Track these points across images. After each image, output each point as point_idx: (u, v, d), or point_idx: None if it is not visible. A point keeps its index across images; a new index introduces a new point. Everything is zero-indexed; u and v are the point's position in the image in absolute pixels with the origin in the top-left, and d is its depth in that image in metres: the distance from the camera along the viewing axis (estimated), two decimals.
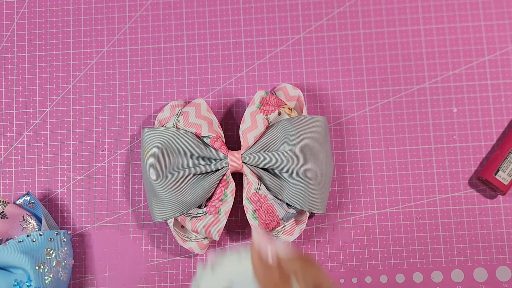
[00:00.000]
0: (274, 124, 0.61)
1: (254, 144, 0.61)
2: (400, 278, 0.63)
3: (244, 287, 0.40)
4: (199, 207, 0.61)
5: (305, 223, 0.61)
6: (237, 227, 0.64)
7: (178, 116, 0.61)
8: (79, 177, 0.66)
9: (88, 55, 0.68)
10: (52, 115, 0.67)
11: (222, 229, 0.60)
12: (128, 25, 0.69)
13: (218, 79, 0.67)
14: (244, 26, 0.68)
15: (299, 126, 0.60)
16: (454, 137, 0.65)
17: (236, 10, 0.68)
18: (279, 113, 0.61)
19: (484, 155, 0.65)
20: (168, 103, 0.65)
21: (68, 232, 0.62)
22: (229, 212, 0.60)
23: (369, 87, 0.67)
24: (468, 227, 0.64)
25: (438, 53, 0.67)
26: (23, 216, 0.62)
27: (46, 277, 0.59)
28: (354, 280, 0.63)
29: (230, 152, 0.61)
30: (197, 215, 0.60)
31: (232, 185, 0.60)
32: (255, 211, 0.60)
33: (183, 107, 0.62)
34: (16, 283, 0.59)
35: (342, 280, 0.63)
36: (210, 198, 0.61)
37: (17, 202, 0.63)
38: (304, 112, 0.62)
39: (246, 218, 0.62)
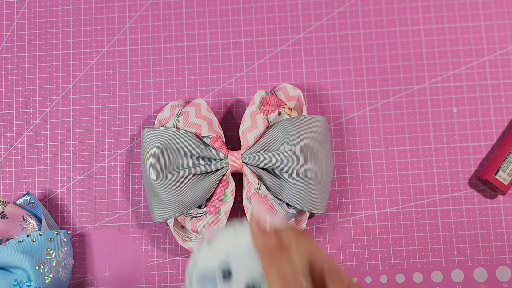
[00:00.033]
0: (274, 124, 0.61)
1: (254, 144, 0.61)
2: (400, 278, 0.63)
3: (240, 259, 0.41)
4: (199, 207, 0.61)
5: (305, 223, 0.61)
6: None
7: (178, 116, 0.61)
8: (79, 177, 0.66)
9: (88, 55, 0.68)
10: (52, 115, 0.67)
11: None
12: (128, 25, 0.69)
13: (218, 79, 0.67)
14: (244, 26, 0.68)
15: (299, 126, 0.60)
16: (454, 137, 0.65)
17: (236, 10, 0.69)
18: (279, 113, 0.61)
19: (484, 155, 0.65)
20: (168, 103, 0.65)
21: (68, 232, 0.62)
22: (229, 212, 0.60)
23: (369, 87, 0.67)
24: (468, 227, 0.64)
25: (438, 53, 0.67)
26: (23, 216, 0.62)
27: (46, 277, 0.59)
28: (354, 280, 0.63)
29: (230, 152, 0.61)
30: (197, 215, 0.60)
31: (232, 185, 0.60)
32: None
33: (183, 107, 0.62)
34: (16, 283, 0.59)
35: None
36: (210, 198, 0.61)
37: (17, 202, 0.63)
38: (304, 112, 0.62)
39: (246, 218, 0.62)
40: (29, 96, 0.68)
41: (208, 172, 0.61)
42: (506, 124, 0.65)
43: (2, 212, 0.61)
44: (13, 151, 0.66)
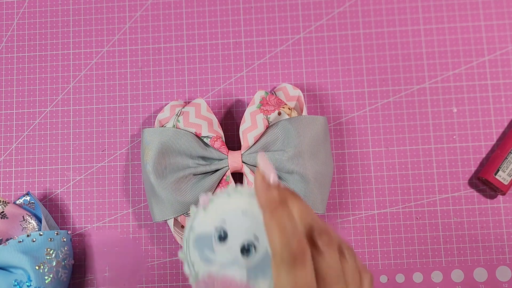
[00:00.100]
0: (274, 124, 0.61)
1: (254, 144, 0.61)
2: (400, 278, 0.63)
3: (235, 222, 0.42)
4: None
5: None
6: None
7: (178, 116, 0.61)
8: (79, 177, 0.66)
9: (88, 55, 0.68)
10: (52, 115, 0.67)
11: None
12: (128, 25, 0.69)
13: (218, 79, 0.67)
14: (244, 26, 0.68)
15: (299, 126, 0.60)
16: (454, 137, 0.65)
17: (236, 10, 0.69)
18: (279, 113, 0.61)
19: (484, 155, 0.65)
20: (168, 103, 0.65)
21: (68, 232, 0.62)
22: None
23: (369, 87, 0.67)
24: (468, 227, 0.64)
25: (438, 53, 0.67)
26: (23, 216, 0.62)
27: (46, 277, 0.59)
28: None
29: (230, 152, 0.61)
30: None
31: (232, 185, 0.60)
32: None
33: (183, 107, 0.62)
34: (16, 283, 0.59)
35: None
36: None
37: (17, 202, 0.63)
38: (304, 112, 0.62)
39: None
40: (29, 96, 0.68)
41: (208, 172, 0.61)
42: (506, 124, 0.65)
43: (2, 212, 0.61)
44: (13, 151, 0.66)
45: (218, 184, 0.60)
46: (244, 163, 0.60)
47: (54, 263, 0.60)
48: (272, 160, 0.59)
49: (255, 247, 0.42)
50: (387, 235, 0.64)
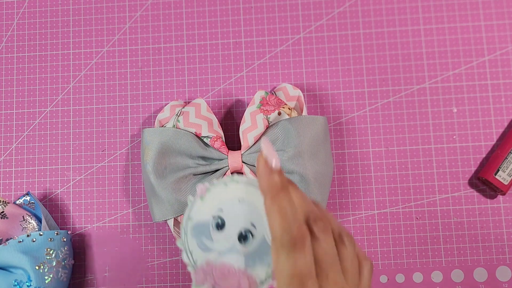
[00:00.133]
0: (274, 124, 0.61)
1: (254, 144, 0.61)
2: (400, 278, 0.63)
3: (232, 210, 0.43)
4: None
5: None
6: None
7: (178, 116, 0.61)
8: (79, 177, 0.66)
9: (88, 55, 0.68)
10: (52, 115, 0.67)
11: None
12: (128, 25, 0.69)
13: (218, 79, 0.67)
14: (244, 26, 0.68)
15: (299, 126, 0.60)
16: (454, 137, 0.65)
17: (236, 10, 0.69)
18: (279, 113, 0.61)
19: (484, 155, 0.65)
20: (168, 103, 0.65)
21: (68, 232, 0.62)
22: None
23: (369, 87, 0.67)
24: (468, 227, 0.64)
25: (438, 53, 0.67)
26: (23, 216, 0.62)
27: (46, 277, 0.59)
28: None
29: (230, 152, 0.61)
30: None
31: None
32: None
33: (183, 107, 0.62)
34: (16, 283, 0.59)
35: None
36: None
37: (17, 202, 0.63)
38: (304, 112, 0.62)
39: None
40: (29, 96, 0.68)
41: (208, 172, 0.61)
42: (506, 124, 0.65)
43: (2, 212, 0.61)
44: (13, 151, 0.66)
45: None
46: (244, 163, 0.60)
47: (54, 263, 0.60)
48: None
49: (252, 235, 0.43)
50: (387, 235, 0.64)
